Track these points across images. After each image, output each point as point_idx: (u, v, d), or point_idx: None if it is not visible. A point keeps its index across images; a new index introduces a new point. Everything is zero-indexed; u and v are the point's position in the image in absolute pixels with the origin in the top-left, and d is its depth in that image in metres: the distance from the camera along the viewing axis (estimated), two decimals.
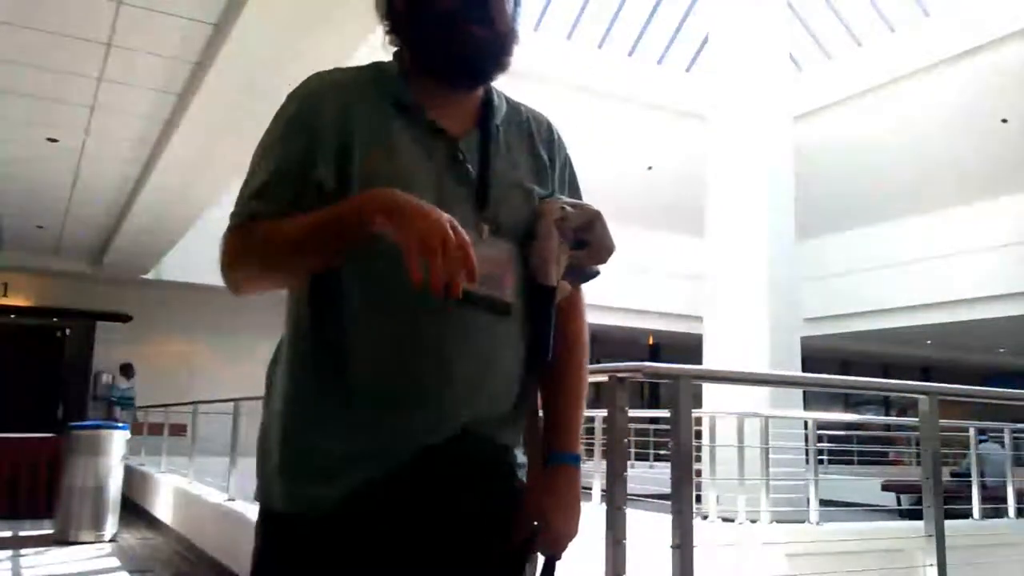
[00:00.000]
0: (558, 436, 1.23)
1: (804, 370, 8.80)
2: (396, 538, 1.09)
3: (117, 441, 6.92)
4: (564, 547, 1.20)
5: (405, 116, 1.15)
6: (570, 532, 1.20)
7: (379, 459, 1.08)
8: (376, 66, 1.21)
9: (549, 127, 1.30)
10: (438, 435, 1.10)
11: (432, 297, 0.99)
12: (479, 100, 1.22)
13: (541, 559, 1.20)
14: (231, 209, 1.15)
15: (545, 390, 1.26)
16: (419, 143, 1.13)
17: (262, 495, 1.15)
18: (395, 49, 1.21)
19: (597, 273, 1.27)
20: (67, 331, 12.26)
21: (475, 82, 1.20)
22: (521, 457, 1.21)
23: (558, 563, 1.19)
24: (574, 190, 1.30)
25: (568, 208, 1.19)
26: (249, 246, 1.11)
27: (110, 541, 6.67)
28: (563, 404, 1.25)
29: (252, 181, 1.14)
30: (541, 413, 1.27)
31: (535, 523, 1.18)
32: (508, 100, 1.27)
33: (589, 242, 1.21)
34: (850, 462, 13.01)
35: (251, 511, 5.13)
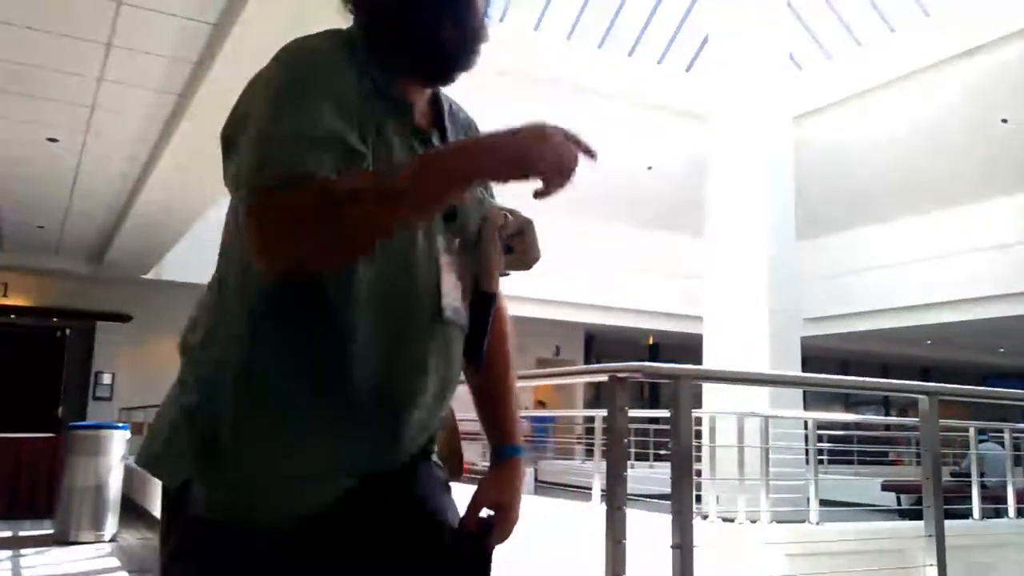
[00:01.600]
0: (504, 431, 1.26)
1: (804, 370, 8.81)
2: (354, 555, 1.05)
3: (117, 441, 6.93)
4: (508, 536, 1.23)
5: (393, 110, 1.08)
6: (517, 519, 1.23)
7: (361, 469, 1.05)
8: (347, 39, 1.11)
9: (476, 127, 1.27)
10: (408, 450, 1.09)
11: (418, 314, 1.01)
12: (428, 96, 1.17)
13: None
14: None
15: (481, 390, 1.28)
16: (405, 145, 1.08)
17: (202, 498, 1.00)
18: (360, 32, 1.13)
19: (517, 271, 1.25)
20: (67, 331, 12.25)
21: (440, 82, 1.16)
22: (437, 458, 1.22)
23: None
24: (491, 194, 1.28)
25: (507, 216, 1.18)
26: (328, 209, 0.89)
27: (110, 541, 6.67)
28: (503, 401, 1.27)
29: (283, 129, 0.94)
30: (476, 412, 1.29)
31: (489, 514, 1.20)
32: (447, 97, 1.22)
33: (516, 248, 1.19)
34: (850, 462, 13.00)
35: None
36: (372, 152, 1.00)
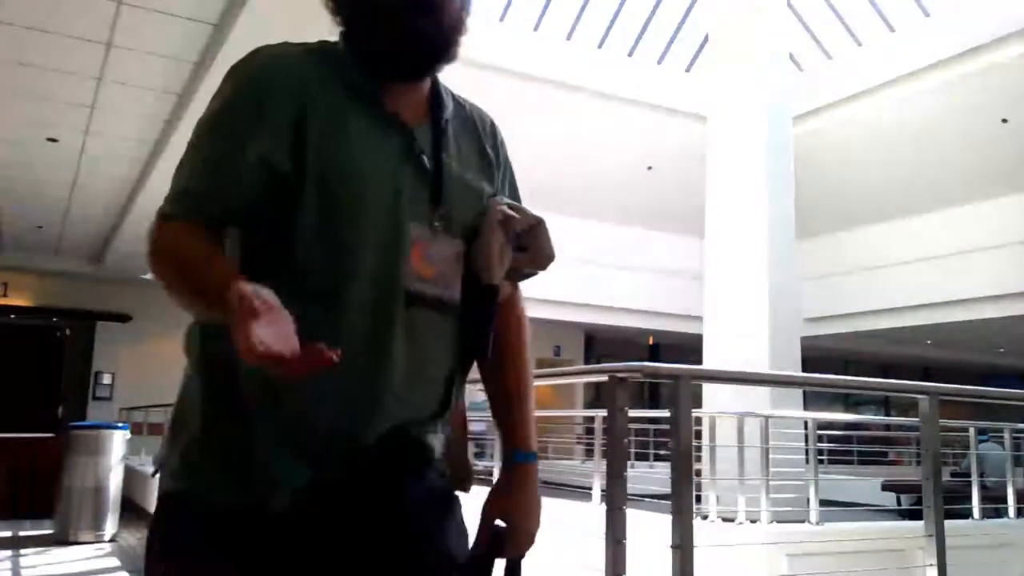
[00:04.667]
0: (515, 435, 1.22)
1: (804, 370, 8.80)
2: (337, 540, 1.05)
3: (117, 441, 6.92)
4: (529, 546, 1.19)
5: (360, 102, 1.10)
6: (533, 530, 1.19)
7: (319, 457, 1.04)
8: (325, 45, 1.15)
9: (492, 125, 1.28)
10: (372, 434, 1.07)
11: (386, 295, 1.03)
12: (426, 92, 1.18)
13: (501, 560, 1.18)
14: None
15: (493, 392, 1.26)
16: (375, 131, 1.09)
17: (186, 476, 1.07)
18: (341, 30, 1.16)
19: (534, 273, 1.25)
20: (67, 331, 12.25)
21: (419, 75, 1.16)
22: (443, 459, 1.18)
23: (522, 562, 1.19)
24: (514, 193, 1.29)
25: (510, 211, 1.18)
26: (164, 268, 1.04)
27: (110, 541, 6.67)
28: (515, 404, 1.24)
29: (186, 167, 1.06)
30: (491, 417, 1.26)
31: (499, 525, 1.16)
32: (453, 95, 1.23)
33: (530, 247, 1.20)
34: (850, 462, 13.01)
35: None
36: (325, 142, 1.05)
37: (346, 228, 1.05)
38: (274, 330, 0.83)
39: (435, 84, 1.20)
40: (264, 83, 1.07)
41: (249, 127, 1.04)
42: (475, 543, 1.16)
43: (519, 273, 1.22)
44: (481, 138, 1.25)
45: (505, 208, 1.18)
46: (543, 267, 1.22)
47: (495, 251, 1.15)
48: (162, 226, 1.05)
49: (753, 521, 5.07)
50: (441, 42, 1.12)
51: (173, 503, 1.08)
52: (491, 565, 1.15)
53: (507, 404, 1.24)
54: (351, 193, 1.06)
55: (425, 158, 1.12)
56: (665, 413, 2.35)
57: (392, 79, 1.13)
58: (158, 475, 1.12)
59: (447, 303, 1.13)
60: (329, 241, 1.04)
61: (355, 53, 1.13)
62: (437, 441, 1.16)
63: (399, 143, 1.11)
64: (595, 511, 4.74)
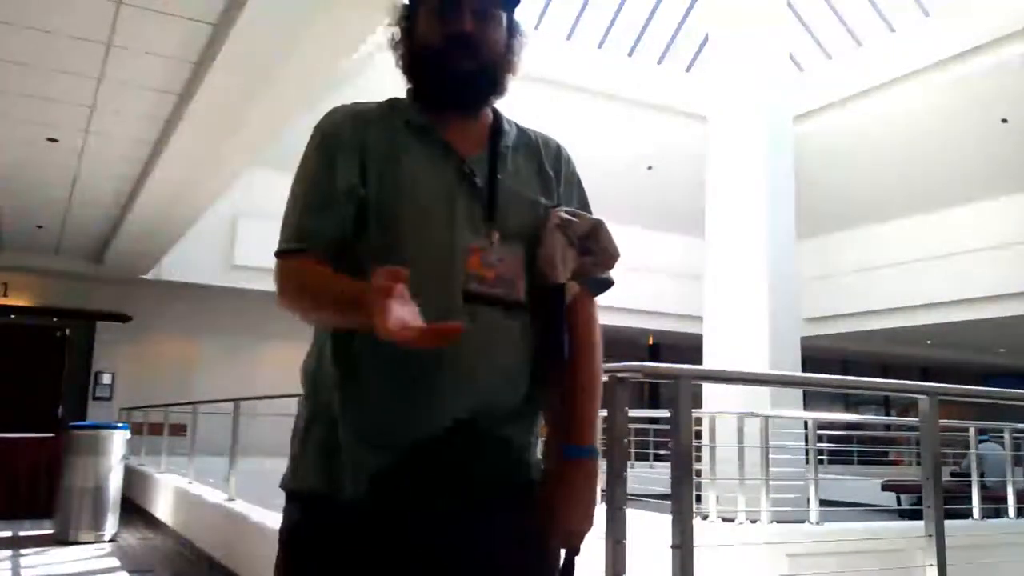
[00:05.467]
0: (572, 430, 1.27)
1: (804, 370, 8.80)
2: (408, 528, 1.16)
3: (117, 441, 6.92)
4: (579, 542, 1.25)
5: (418, 135, 1.26)
6: (583, 527, 1.24)
7: (388, 449, 1.15)
8: (393, 99, 1.33)
9: (557, 147, 1.41)
10: (437, 426, 1.16)
11: (445, 296, 1.15)
12: (488, 126, 1.33)
13: (562, 552, 1.25)
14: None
15: (560, 388, 1.30)
16: (431, 159, 1.25)
17: (292, 476, 1.25)
18: (408, 87, 1.34)
19: (610, 282, 1.34)
20: (67, 331, 12.24)
21: (466, 108, 1.31)
22: (529, 455, 1.27)
23: (576, 558, 1.24)
24: (583, 204, 1.38)
25: (568, 216, 1.28)
26: (299, 295, 1.22)
27: (110, 541, 6.67)
28: (577, 399, 1.28)
29: (292, 213, 1.25)
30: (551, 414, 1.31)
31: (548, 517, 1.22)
32: (519, 127, 1.37)
33: (594, 250, 1.29)
34: (850, 462, 13.01)
35: (251, 511, 5.13)
36: (384, 172, 1.23)
37: (407, 241, 1.19)
38: (408, 309, 0.98)
39: (497, 118, 1.35)
40: (337, 134, 1.26)
41: (331, 172, 1.23)
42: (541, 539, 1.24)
43: (594, 281, 1.32)
44: (542, 159, 1.36)
45: (563, 213, 1.28)
46: (610, 266, 1.32)
47: (556, 253, 1.25)
48: (282, 265, 1.24)
49: (753, 521, 5.08)
50: (482, 78, 1.28)
51: (287, 499, 1.26)
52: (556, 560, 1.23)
53: (574, 401, 1.28)
54: (407, 212, 1.21)
55: (477, 179, 1.25)
56: (665, 413, 2.35)
57: (445, 112, 1.29)
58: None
59: (511, 303, 1.22)
60: (390, 253, 1.17)
61: (415, 98, 1.31)
62: (518, 434, 1.24)
63: (452, 167, 1.25)
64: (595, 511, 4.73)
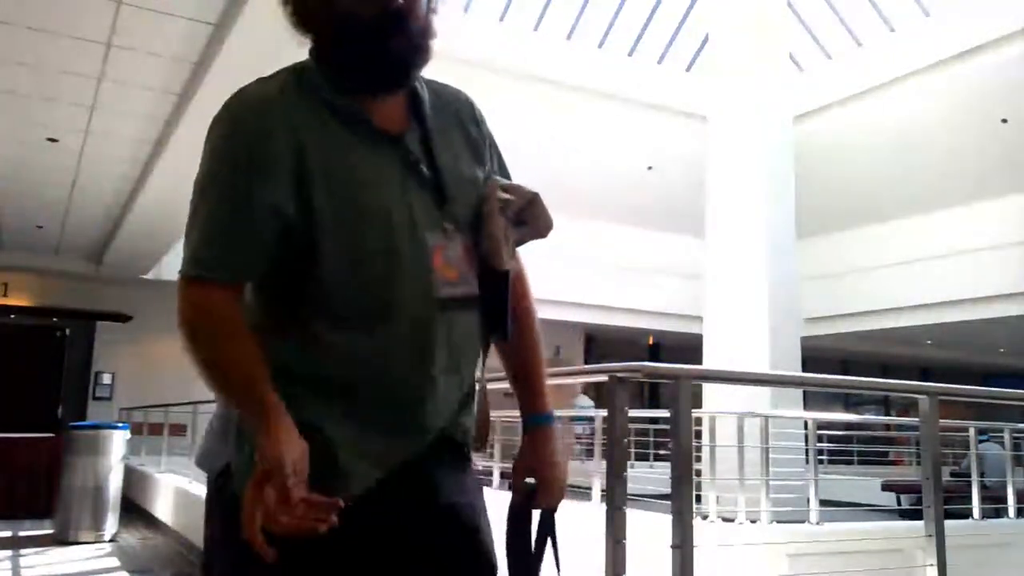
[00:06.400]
0: (532, 401, 1.30)
1: (804, 370, 8.80)
2: (391, 535, 1.13)
3: (117, 441, 6.92)
4: (559, 498, 1.27)
5: (350, 126, 1.11)
6: (561, 480, 1.27)
7: (379, 462, 1.12)
8: (297, 72, 1.16)
9: (470, 103, 1.29)
10: (422, 441, 1.15)
11: (423, 311, 1.09)
12: (404, 96, 1.19)
13: (537, 514, 1.27)
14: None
15: (510, 364, 1.32)
16: (373, 153, 1.12)
17: (239, 476, 1.09)
18: (310, 46, 1.18)
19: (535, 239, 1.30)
20: (67, 331, 12.24)
21: (398, 86, 1.17)
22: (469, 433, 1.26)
23: (555, 516, 1.27)
24: (503, 167, 1.31)
25: (507, 195, 1.22)
26: (192, 338, 1.12)
27: (110, 541, 6.67)
28: (530, 372, 1.31)
29: (201, 226, 1.10)
30: (508, 385, 1.34)
31: (529, 481, 1.25)
32: (428, 84, 1.23)
33: (528, 220, 1.24)
34: (850, 462, 12.99)
35: None
36: (328, 184, 1.07)
37: (378, 259, 1.09)
38: (287, 503, 0.96)
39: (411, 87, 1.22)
40: (252, 131, 1.07)
41: (248, 179, 1.06)
42: (511, 500, 1.25)
43: (520, 243, 1.27)
44: (464, 122, 1.26)
45: (501, 193, 1.21)
46: (544, 236, 1.27)
47: (500, 237, 1.19)
48: (187, 292, 1.10)
49: (753, 521, 5.07)
50: (413, 51, 1.13)
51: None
52: (529, 516, 1.25)
53: (526, 374, 1.31)
54: (373, 227, 1.09)
55: (423, 167, 1.15)
56: (665, 413, 2.35)
57: (371, 93, 1.14)
58: (212, 474, 1.16)
59: (471, 298, 1.17)
60: (360, 273, 1.08)
61: (328, 69, 1.14)
62: (470, 420, 1.24)
63: (396, 158, 1.13)
64: (595, 511, 4.74)
